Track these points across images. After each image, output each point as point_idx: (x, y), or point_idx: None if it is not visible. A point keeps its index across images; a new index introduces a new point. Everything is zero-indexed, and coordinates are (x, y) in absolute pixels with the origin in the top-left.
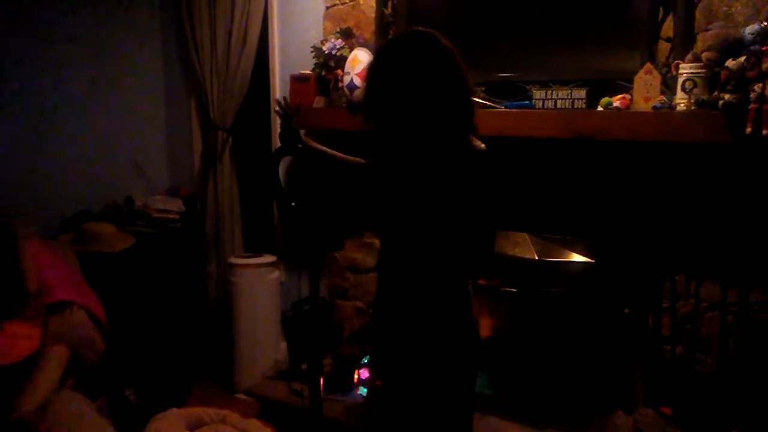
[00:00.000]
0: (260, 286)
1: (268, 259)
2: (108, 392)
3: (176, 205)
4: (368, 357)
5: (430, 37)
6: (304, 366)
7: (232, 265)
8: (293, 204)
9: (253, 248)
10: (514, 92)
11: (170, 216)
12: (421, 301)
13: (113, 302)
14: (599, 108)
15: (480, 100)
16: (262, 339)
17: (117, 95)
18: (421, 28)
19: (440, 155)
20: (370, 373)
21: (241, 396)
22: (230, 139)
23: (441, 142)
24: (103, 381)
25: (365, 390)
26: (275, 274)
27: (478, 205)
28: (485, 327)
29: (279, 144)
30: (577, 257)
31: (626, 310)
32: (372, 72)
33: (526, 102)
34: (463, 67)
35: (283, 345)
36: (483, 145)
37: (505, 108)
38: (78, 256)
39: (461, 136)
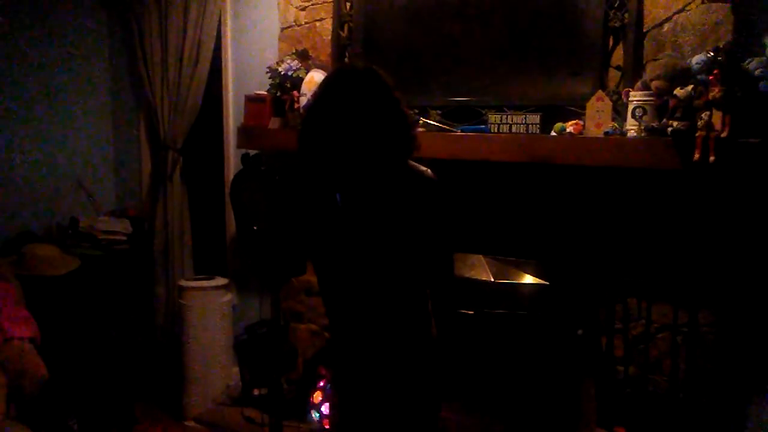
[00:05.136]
0: (211, 310)
1: (220, 281)
2: (51, 422)
3: (123, 226)
4: (327, 383)
5: (370, 72)
6: (257, 391)
7: (183, 288)
8: (255, 228)
9: (204, 271)
10: (470, 116)
11: (117, 237)
12: (387, 335)
13: (57, 328)
14: (553, 133)
15: (436, 123)
16: (213, 364)
17: (61, 112)
18: (359, 64)
19: (386, 183)
20: (330, 403)
21: (191, 423)
22: (181, 159)
23: (382, 169)
24: (45, 410)
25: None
26: (227, 297)
27: (435, 231)
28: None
29: (232, 166)
30: (531, 279)
31: (579, 332)
32: (310, 108)
33: (482, 126)
34: (399, 97)
35: (235, 370)
36: (429, 171)
37: (460, 132)
38: (19, 279)
39: (400, 161)
